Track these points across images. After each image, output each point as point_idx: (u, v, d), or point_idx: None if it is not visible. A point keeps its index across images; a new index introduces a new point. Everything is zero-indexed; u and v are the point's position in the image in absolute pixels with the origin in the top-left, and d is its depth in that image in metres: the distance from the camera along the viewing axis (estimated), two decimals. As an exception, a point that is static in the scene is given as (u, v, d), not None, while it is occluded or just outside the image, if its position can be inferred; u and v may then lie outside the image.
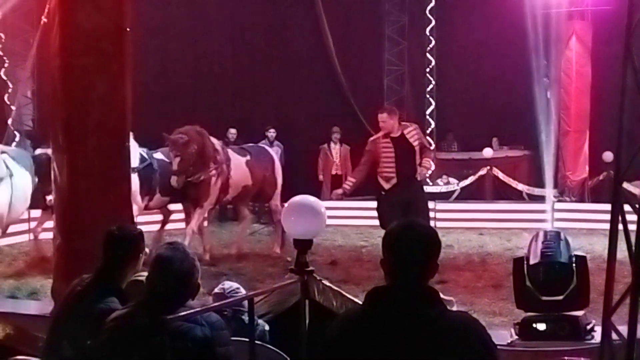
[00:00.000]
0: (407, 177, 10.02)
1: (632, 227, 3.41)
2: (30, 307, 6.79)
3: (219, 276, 8.87)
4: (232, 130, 16.90)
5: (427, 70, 18.61)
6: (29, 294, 9.28)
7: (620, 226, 3.54)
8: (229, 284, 5.15)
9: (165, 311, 3.54)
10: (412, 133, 10.12)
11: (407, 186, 10.04)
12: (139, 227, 4.81)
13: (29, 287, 9.69)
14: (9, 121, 16.44)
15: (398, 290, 3.21)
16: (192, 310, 3.67)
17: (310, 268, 4.96)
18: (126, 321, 3.73)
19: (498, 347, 3.64)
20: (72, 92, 6.18)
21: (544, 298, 5.39)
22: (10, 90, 16.41)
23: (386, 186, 9.93)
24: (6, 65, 16.35)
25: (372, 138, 10.47)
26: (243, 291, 5.01)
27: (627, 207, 3.22)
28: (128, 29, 6.33)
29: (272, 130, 16.81)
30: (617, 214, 3.30)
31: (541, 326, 5.33)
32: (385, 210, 9.71)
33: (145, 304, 3.73)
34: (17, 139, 16.80)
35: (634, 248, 3.07)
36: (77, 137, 6.19)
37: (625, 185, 3.29)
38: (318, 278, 5.30)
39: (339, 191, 10.47)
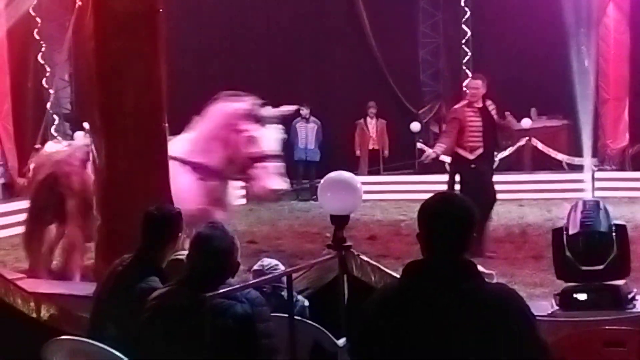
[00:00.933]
0: (490, 149, 9.99)
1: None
2: (74, 288, 6.88)
3: (259, 254, 8.93)
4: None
5: (463, 41, 18.47)
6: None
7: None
8: (268, 261, 5.19)
9: (205, 289, 3.58)
10: (491, 106, 10.07)
11: (489, 158, 9.97)
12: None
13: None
14: (48, 105, 16.61)
15: (435, 263, 3.21)
16: (231, 287, 3.71)
17: (348, 243, 4.98)
18: (167, 300, 3.79)
19: (538, 318, 3.63)
20: (107, 74, 6.22)
21: (584, 268, 5.35)
22: (48, 74, 16.57)
23: (470, 156, 9.80)
24: (43, 49, 16.50)
25: (456, 107, 10.33)
26: (282, 267, 5.05)
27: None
28: (161, 10, 6.35)
29: (306, 107, 16.83)
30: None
31: (582, 296, 5.29)
32: (473, 179, 9.60)
33: (186, 283, 3.78)
34: (56, 122, 16.99)
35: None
36: (114, 119, 6.23)
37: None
38: (356, 253, 5.32)
39: (432, 154, 10.31)
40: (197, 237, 3.86)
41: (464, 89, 10.25)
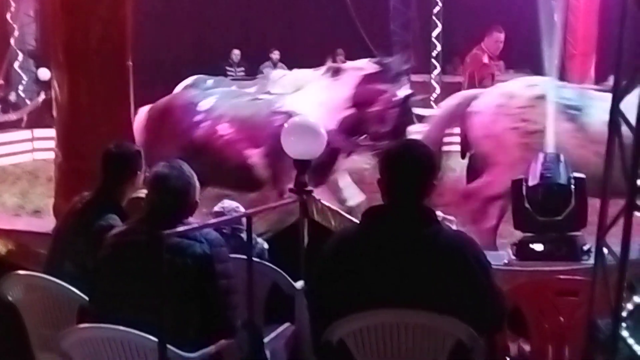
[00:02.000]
0: None
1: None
2: (33, 224, 6.84)
3: (222, 197, 8.90)
4: (236, 51, 16.82)
5: (434, -9, 18.36)
6: (32, 212, 9.38)
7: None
8: (229, 203, 5.19)
9: (163, 227, 3.58)
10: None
11: None
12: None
13: (32, 205, 9.79)
14: (12, 40, 16.35)
15: (393, 208, 3.24)
16: (191, 227, 3.71)
17: (309, 188, 5.00)
18: (125, 237, 3.78)
19: (495, 267, 3.69)
20: (72, 10, 6.11)
21: (542, 219, 5.42)
22: (12, 9, 16.29)
23: None
24: (8, -17, 16.22)
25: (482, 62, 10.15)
26: (242, 210, 5.05)
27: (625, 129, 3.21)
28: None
29: (276, 52, 16.72)
30: (613, 134, 3.29)
31: (538, 247, 5.36)
32: None
33: (144, 221, 3.77)
34: (19, 58, 16.74)
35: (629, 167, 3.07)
36: (78, 55, 6.13)
37: (623, 105, 3.28)
38: (317, 198, 5.33)
39: None
40: (154, 176, 3.85)
41: (482, 44, 10.03)
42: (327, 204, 5.46)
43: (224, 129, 7.80)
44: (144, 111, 8.17)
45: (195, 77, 10.00)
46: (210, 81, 9.74)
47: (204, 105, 7.98)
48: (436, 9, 18.26)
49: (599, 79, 15.94)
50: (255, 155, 7.64)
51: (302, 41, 18.18)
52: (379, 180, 3.29)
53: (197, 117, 7.87)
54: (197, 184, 3.85)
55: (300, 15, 18.40)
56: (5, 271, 4.45)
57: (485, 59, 9.95)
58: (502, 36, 9.92)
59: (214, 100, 8.02)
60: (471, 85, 9.79)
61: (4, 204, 10.21)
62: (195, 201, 3.83)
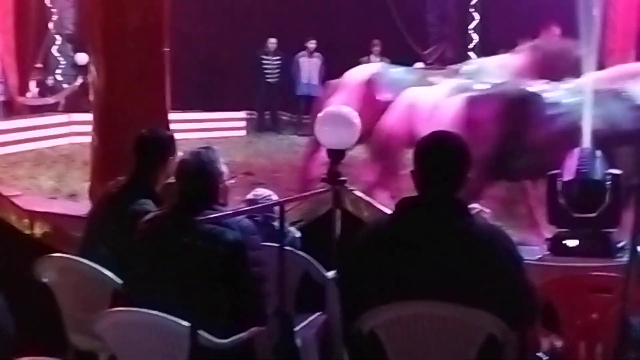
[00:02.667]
0: None
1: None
2: (68, 208, 6.91)
3: (255, 185, 8.94)
4: (272, 40, 16.82)
5: (472, -17, 18.24)
6: (69, 195, 9.47)
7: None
8: (262, 191, 5.20)
9: (193, 213, 3.60)
10: None
11: None
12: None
13: (68, 189, 9.89)
14: (50, 25, 16.49)
15: (426, 200, 3.23)
16: (223, 213, 3.73)
17: (343, 178, 4.99)
18: (158, 222, 3.81)
19: (528, 261, 3.67)
20: (111, -5, 6.19)
21: (577, 215, 5.38)
22: (52, -6, 16.43)
23: None
24: (48, -32, 16.34)
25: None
26: (275, 198, 5.06)
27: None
28: None
29: (312, 41, 16.68)
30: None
31: (572, 242, 5.32)
32: None
33: (176, 207, 3.80)
34: (58, 42, 16.88)
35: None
36: (115, 40, 6.19)
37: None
38: (350, 188, 5.33)
39: None
40: (179, 163, 3.91)
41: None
42: (359, 194, 5.46)
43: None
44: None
45: (380, 64, 9.79)
46: (399, 69, 9.50)
47: (553, 98, 7.67)
48: (474, 1, 18.14)
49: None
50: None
51: (338, 31, 18.14)
52: (412, 171, 3.28)
53: (550, 111, 7.55)
54: (223, 169, 3.87)
55: (336, 4, 18.35)
56: (41, 254, 4.50)
57: None
58: (558, 30, 9.99)
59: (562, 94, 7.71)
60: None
61: (41, 187, 10.33)
62: (219, 186, 3.85)
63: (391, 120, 7.73)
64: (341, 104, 7.59)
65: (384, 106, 7.88)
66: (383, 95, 7.90)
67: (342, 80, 8.64)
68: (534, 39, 10.64)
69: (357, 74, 9.04)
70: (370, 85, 8.49)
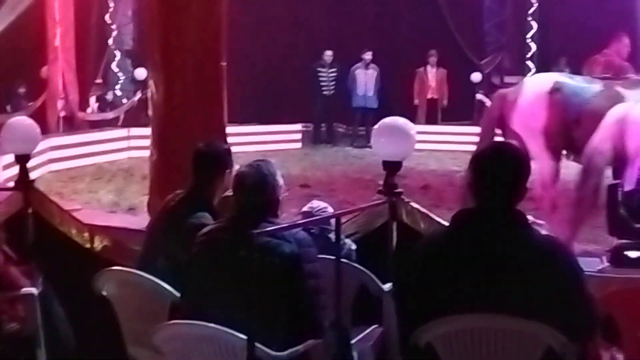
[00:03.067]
0: None
1: None
2: (127, 221, 7.00)
3: (311, 197, 8.97)
4: (328, 52, 16.87)
5: (530, -9, 18.07)
6: (127, 209, 9.60)
7: None
8: (317, 203, 5.21)
9: (249, 226, 3.62)
10: None
11: None
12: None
13: (127, 203, 10.03)
14: (110, 41, 16.75)
15: (484, 211, 3.20)
16: (280, 226, 3.74)
17: (399, 190, 4.97)
18: (215, 236, 3.83)
19: (588, 273, 3.62)
20: (168, 10, 6.25)
21: (638, 226, 5.30)
22: (111, 10, 16.69)
23: None
24: (107, -15, 16.61)
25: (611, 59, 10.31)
26: (331, 210, 5.06)
27: None
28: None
29: (369, 52, 16.69)
30: None
31: (633, 254, 5.25)
32: None
33: (233, 220, 3.83)
34: (117, 58, 17.14)
35: None
36: (173, 55, 6.27)
37: None
38: (406, 200, 5.31)
39: None
40: (237, 176, 3.92)
41: (608, 50, 10.19)
42: (416, 206, 5.43)
43: None
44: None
45: (556, 74, 9.71)
46: (578, 78, 9.46)
47: None
48: (532, 10, 17.98)
49: None
50: None
51: (394, 42, 18.13)
52: (469, 183, 3.25)
53: None
54: (280, 181, 3.89)
55: (392, 15, 18.34)
56: (101, 267, 4.56)
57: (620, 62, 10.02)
58: (628, 40, 9.98)
59: None
60: None
61: (100, 201, 10.49)
62: (277, 199, 3.86)
63: (600, 136, 7.60)
64: (525, 115, 7.58)
65: (572, 116, 7.79)
66: (568, 105, 7.81)
67: (521, 91, 8.50)
68: (603, 49, 10.54)
69: (538, 84, 8.91)
70: (553, 95, 8.38)
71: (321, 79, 16.84)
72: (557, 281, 3.06)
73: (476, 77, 17.52)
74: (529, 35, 18.05)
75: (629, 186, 5.41)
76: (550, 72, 9.96)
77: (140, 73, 15.39)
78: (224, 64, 6.50)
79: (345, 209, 5.65)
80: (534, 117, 7.69)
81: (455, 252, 3.19)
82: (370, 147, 14.73)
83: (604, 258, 5.40)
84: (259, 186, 3.82)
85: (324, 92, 16.84)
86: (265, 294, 3.64)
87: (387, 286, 4.43)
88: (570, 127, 7.72)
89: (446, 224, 3.75)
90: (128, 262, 4.83)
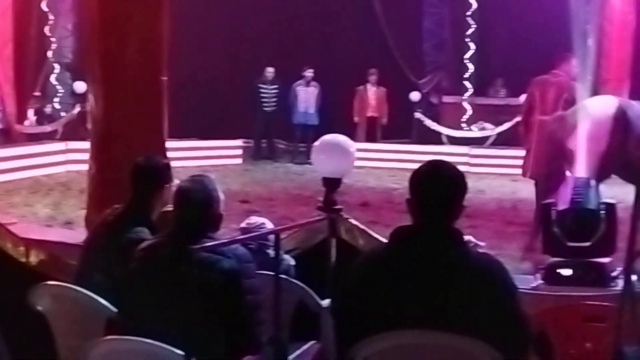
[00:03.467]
0: None
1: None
2: (64, 236, 6.91)
3: (250, 213, 8.96)
4: (270, 69, 16.91)
5: (468, 13, 18.35)
6: (64, 223, 9.48)
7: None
8: (255, 219, 5.22)
9: (189, 241, 3.62)
10: None
11: None
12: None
13: (64, 217, 9.91)
14: (49, 53, 16.56)
15: (422, 229, 3.24)
16: (218, 242, 3.74)
17: (339, 206, 5.00)
18: (154, 251, 3.81)
19: (522, 290, 3.68)
20: (110, 23, 6.20)
21: (571, 244, 5.40)
22: (51, 23, 16.50)
23: None
24: (48, -4, 16.42)
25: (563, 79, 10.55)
26: (269, 226, 5.07)
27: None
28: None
29: (310, 70, 16.77)
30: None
31: (566, 272, 5.34)
32: None
33: (172, 235, 3.81)
34: (56, 71, 16.94)
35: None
36: (113, 68, 6.22)
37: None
38: (345, 217, 5.34)
39: None
40: (176, 190, 3.91)
41: (558, 70, 10.43)
42: (355, 223, 5.47)
43: None
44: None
45: (617, 98, 9.70)
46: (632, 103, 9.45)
47: None
48: (470, 31, 18.26)
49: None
50: None
51: (335, 60, 18.24)
52: (408, 200, 3.30)
53: None
54: (221, 196, 3.89)
55: (333, 34, 18.47)
56: (36, 282, 4.50)
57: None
58: (575, 61, 10.27)
59: None
60: (565, 107, 10.20)
61: (37, 215, 10.34)
62: (220, 214, 3.87)
63: None
64: (589, 138, 7.62)
65: (634, 138, 7.87)
66: (631, 128, 7.89)
67: (583, 113, 8.54)
68: (544, 69, 10.75)
69: (602, 108, 9.01)
70: (618, 118, 8.45)
71: (263, 95, 16.86)
72: (492, 298, 3.11)
73: (415, 96, 17.73)
74: (467, 55, 18.32)
75: (562, 205, 5.51)
76: (609, 95, 10.17)
77: (80, 86, 15.25)
78: (165, 78, 6.47)
79: (285, 225, 5.66)
80: (597, 140, 7.77)
81: (393, 269, 3.22)
82: (310, 163, 14.94)
83: (538, 275, 5.49)
84: (204, 201, 3.81)
85: (265, 108, 16.87)
86: (204, 310, 3.63)
87: (325, 302, 4.45)
88: (631, 148, 7.83)
89: (385, 240, 3.78)
90: (64, 277, 4.78)
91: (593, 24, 15.12)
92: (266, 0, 18.22)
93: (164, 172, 4.56)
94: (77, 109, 15.79)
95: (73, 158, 14.13)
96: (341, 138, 5.16)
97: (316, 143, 5.17)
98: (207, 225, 3.80)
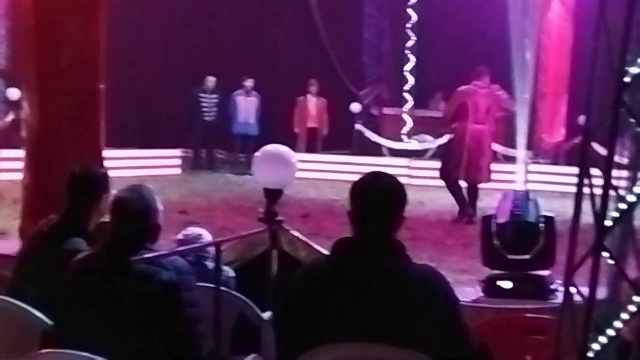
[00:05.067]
0: None
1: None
2: (-3, 246, 6.77)
3: (189, 224, 8.86)
4: (211, 78, 16.80)
5: (408, 25, 18.50)
6: (-3, 234, 9.26)
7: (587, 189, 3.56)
8: (192, 230, 5.17)
9: (126, 253, 3.55)
10: None
11: None
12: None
13: (-4, 227, 9.67)
14: (-18, 59, 16.25)
15: (362, 241, 3.23)
16: (156, 254, 3.68)
17: (280, 218, 4.97)
18: (90, 262, 3.74)
19: (462, 303, 3.68)
20: (45, 30, 6.11)
21: (511, 257, 5.44)
22: (-17, 28, 16.20)
23: None
24: (-19, 2, 16.12)
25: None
26: (207, 237, 5.02)
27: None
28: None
29: (249, 80, 16.70)
30: (583, 175, 3.31)
31: (506, 284, 5.38)
32: None
33: (108, 246, 3.74)
34: (-11, 77, 16.62)
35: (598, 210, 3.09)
36: (49, 76, 6.12)
37: (596, 147, 3.32)
38: (287, 228, 5.31)
39: None
40: (113, 200, 3.85)
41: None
42: (296, 234, 5.44)
43: None
44: None
45: None
46: None
47: None
48: (410, 43, 18.40)
49: (570, 119, 16.13)
50: None
51: (276, 70, 18.23)
52: (348, 211, 3.28)
53: None
54: (159, 207, 3.83)
55: (274, 44, 18.46)
56: (-33, 293, 4.38)
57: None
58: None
59: None
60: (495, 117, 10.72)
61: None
62: (158, 225, 3.81)
63: None
64: None
65: None
66: None
67: None
68: (473, 81, 11.08)
69: None
70: None
71: (202, 104, 16.74)
72: (433, 310, 3.10)
73: (355, 107, 17.78)
74: (407, 68, 18.46)
75: (502, 218, 5.55)
76: None
77: (13, 93, 14.95)
78: (103, 86, 6.38)
79: (225, 236, 5.62)
80: None
81: (335, 281, 3.20)
82: (250, 174, 14.81)
83: (478, 288, 5.52)
84: (142, 212, 3.75)
85: (205, 118, 16.75)
86: (142, 322, 3.57)
87: (266, 315, 4.41)
88: None
89: (326, 252, 3.76)
90: (-3, 289, 4.66)
91: (531, 37, 15.44)
92: (205, 8, 18.12)
93: (102, 181, 4.49)
94: (10, 116, 15.48)
95: (5, 167, 13.82)
96: (282, 149, 5.14)
97: (257, 153, 5.14)
98: (145, 236, 3.73)
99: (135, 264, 3.53)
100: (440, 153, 16.85)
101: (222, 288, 4.24)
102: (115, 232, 3.76)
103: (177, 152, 16.55)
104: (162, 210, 3.85)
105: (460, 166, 11.25)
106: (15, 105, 14.12)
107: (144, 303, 3.56)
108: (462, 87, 11.29)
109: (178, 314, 3.63)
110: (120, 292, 3.55)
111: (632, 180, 3.23)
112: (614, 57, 3.23)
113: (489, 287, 5.46)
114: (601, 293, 3.21)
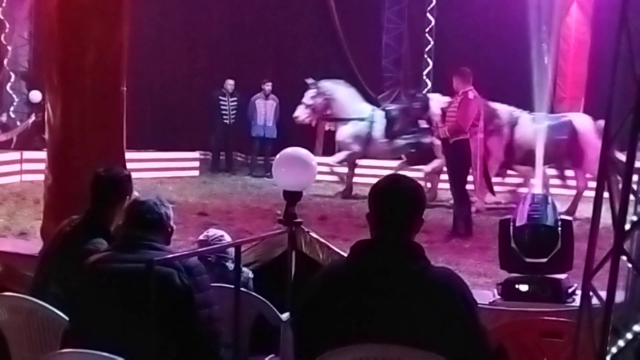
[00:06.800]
0: None
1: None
2: (19, 246, 6.82)
3: (208, 226, 8.92)
4: (230, 81, 16.85)
5: (427, 30, 18.50)
6: (18, 234, 9.35)
7: (607, 193, 3.57)
8: (213, 231, 5.20)
9: (140, 254, 3.58)
10: None
11: None
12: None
13: (18, 227, 9.75)
14: (5, 61, 16.38)
15: (381, 243, 3.25)
16: (175, 254, 3.71)
17: (298, 219, 5.01)
18: (105, 263, 3.77)
19: (480, 305, 3.69)
20: (68, 32, 6.15)
21: (528, 260, 5.44)
22: (7, 31, 16.34)
23: None
24: (4, 5, 16.27)
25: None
26: (227, 238, 5.06)
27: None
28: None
29: (269, 83, 16.75)
30: (603, 179, 3.32)
31: (523, 287, 5.38)
32: None
33: (121, 247, 3.78)
34: (12, 79, 16.76)
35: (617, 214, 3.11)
36: (72, 78, 6.17)
37: (616, 153, 3.33)
38: (305, 230, 5.34)
39: None
40: (129, 204, 3.90)
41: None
42: (315, 236, 5.47)
43: None
44: None
45: None
46: None
47: None
48: (428, 47, 18.41)
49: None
50: None
51: (294, 73, 18.23)
52: (367, 214, 3.30)
53: None
54: (171, 212, 3.87)
55: (293, 47, 18.49)
56: (-9, 292, 4.44)
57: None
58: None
59: None
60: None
61: (-10, 225, 10.17)
62: (170, 229, 3.85)
63: None
64: None
65: None
66: None
67: None
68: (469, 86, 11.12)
69: None
70: None
71: (222, 107, 16.80)
72: (451, 312, 3.12)
73: (373, 110, 17.73)
74: (425, 71, 18.45)
75: (520, 221, 5.55)
76: None
77: (35, 95, 15.09)
78: (124, 88, 6.43)
79: (243, 237, 5.65)
80: None
81: (353, 283, 3.21)
82: (268, 176, 14.93)
83: (495, 291, 5.52)
84: (156, 214, 3.79)
85: (224, 121, 16.81)
86: (156, 323, 3.59)
87: (285, 315, 4.44)
88: None
89: (344, 254, 3.79)
90: (19, 288, 4.72)
91: (550, 43, 15.41)
92: (226, 12, 18.19)
93: (126, 183, 4.52)
94: (32, 118, 15.61)
95: (28, 168, 13.93)
96: (302, 151, 5.18)
97: (277, 156, 5.18)
98: (157, 239, 3.78)
99: (150, 265, 3.56)
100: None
101: (242, 289, 4.29)
102: (126, 234, 3.82)
103: (196, 154, 16.62)
104: (174, 217, 3.89)
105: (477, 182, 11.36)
106: (36, 107, 14.24)
107: (158, 304, 3.58)
108: (474, 94, 11.22)
109: (191, 315, 3.65)
110: (134, 293, 3.57)
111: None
112: (635, 62, 3.24)
113: (507, 290, 5.45)
114: (619, 296, 3.22)
